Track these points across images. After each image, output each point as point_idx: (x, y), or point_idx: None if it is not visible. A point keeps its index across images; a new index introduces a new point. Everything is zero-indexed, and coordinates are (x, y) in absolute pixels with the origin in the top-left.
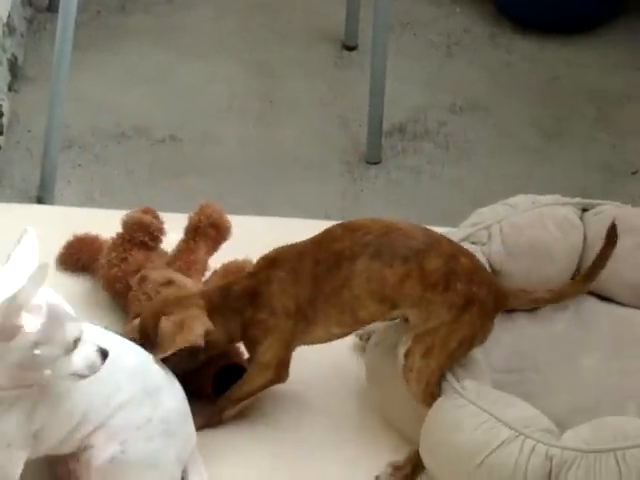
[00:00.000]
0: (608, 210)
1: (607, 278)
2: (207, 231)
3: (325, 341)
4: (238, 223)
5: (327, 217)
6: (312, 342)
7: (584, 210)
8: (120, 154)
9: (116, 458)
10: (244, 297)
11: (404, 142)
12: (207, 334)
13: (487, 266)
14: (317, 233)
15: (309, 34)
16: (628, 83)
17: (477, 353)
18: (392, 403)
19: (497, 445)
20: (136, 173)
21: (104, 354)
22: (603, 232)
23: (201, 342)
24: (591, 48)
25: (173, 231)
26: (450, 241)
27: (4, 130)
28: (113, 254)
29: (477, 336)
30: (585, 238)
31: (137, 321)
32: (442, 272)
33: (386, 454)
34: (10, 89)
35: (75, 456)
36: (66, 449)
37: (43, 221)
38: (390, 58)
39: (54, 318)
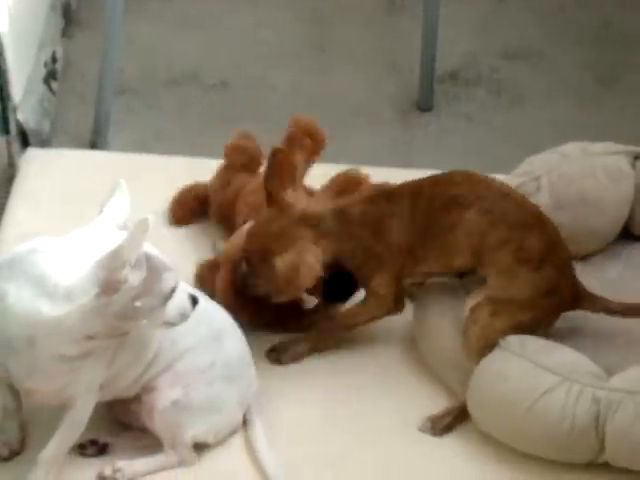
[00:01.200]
0: None
1: None
2: (304, 141)
3: (419, 280)
4: None
5: (379, 164)
6: (411, 279)
7: (636, 158)
8: (172, 100)
9: (179, 401)
10: (364, 224)
11: (456, 88)
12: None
13: None
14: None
15: None
16: None
17: None
18: (438, 356)
19: (543, 391)
20: (188, 119)
21: (194, 300)
22: None
23: (315, 280)
24: None
25: None
26: (555, 227)
27: (58, 76)
28: (217, 181)
29: (544, 324)
30: (637, 187)
31: (244, 229)
32: (539, 252)
33: (430, 406)
34: (64, 34)
35: (137, 397)
36: (132, 392)
37: (96, 166)
38: (442, 4)
39: (153, 271)
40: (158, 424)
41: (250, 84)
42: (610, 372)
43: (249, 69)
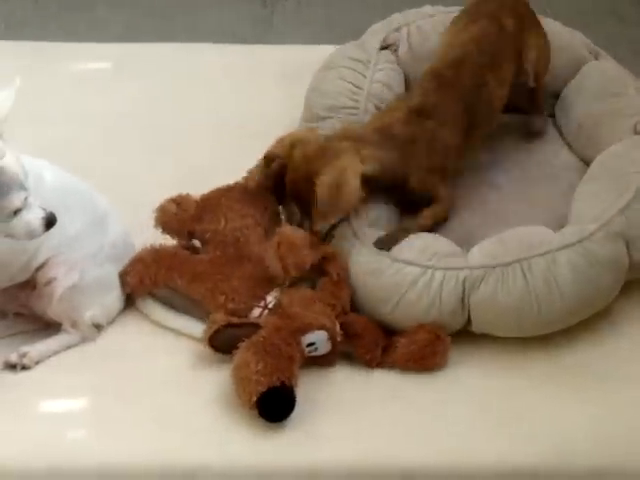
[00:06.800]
0: None
1: None
2: None
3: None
4: (147, 51)
5: (241, 41)
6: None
7: None
8: None
9: (76, 285)
10: (414, 143)
11: None
12: (364, 176)
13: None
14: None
15: None
16: None
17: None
18: None
19: (408, 285)
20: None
21: (50, 222)
22: None
23: (359, 197)
24: None
25: None
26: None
27: None
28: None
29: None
30: None
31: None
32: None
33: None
34: None
35: (34, 290)
36: (22, 278)
37: None
38: None
39: (2, 185)
40: (59, 309)
41: None
42: (468, 242)
43: None
